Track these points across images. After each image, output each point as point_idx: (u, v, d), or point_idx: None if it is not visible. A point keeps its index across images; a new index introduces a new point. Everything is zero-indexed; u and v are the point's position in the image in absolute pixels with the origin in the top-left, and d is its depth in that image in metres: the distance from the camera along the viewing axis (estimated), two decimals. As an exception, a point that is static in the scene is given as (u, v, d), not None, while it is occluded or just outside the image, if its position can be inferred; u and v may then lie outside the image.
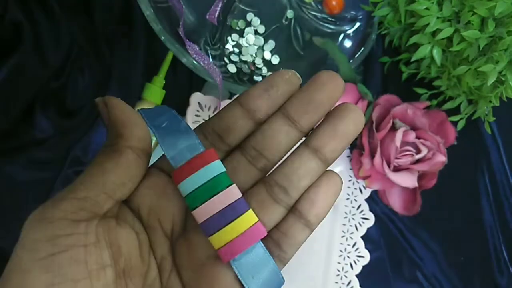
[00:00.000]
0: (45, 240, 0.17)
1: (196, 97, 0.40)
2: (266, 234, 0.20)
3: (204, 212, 0.19)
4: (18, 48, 0.39)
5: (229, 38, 0.45)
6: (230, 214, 0.19)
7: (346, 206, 0.46)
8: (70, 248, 0.17)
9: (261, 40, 0.46)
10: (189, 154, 0.20)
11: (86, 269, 0.17)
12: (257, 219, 0.19)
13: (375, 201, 0.47)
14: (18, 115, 0.39)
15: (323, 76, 0.21)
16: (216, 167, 0.19)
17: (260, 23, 0.46)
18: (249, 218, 0.19)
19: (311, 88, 0.21)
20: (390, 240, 0.49)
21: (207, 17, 0.42)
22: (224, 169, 0.20)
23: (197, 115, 0.40)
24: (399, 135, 0.40)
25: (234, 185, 0.19)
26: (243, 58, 0.45)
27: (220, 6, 0.42)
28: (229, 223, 0.19)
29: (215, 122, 0.21)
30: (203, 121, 0.40)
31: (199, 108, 0.40)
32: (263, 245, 0.20)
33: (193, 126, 0.40)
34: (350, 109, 0.20)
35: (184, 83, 0.45)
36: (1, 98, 0.37)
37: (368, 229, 0.46)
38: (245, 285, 0.19)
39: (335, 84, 0.20)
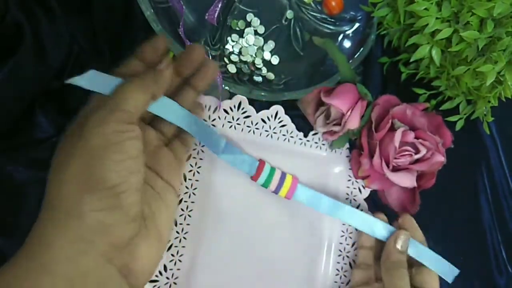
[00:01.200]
0: (111, 132, 0.27)
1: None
2: (298, 180, 0.42)
3: (272, 186, 0.41)
4: (19, 48, 0.39)
5: (229, 38, 0.46)
6: (281, 181, 0.41)
7: (345, 206, 0.46)
8: (128, 139, 0.27)
9: (261, 40, 0.46)
10: (254, 165, 0.41)
11: (137, 151, 0.28)
12: (292, 176, 0.42)
13: (374, 201, 0.47)
14: (18, 115, 0.39)
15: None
16: (267, 167, 0.41)
17: (260, 24, 0.46)
18: (289, 177, 0.42)
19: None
20: (389, 240, 0.49)
21: (207, 17, 0.42)
22: (270, 165, 0.42)
23: (197, 115, 0.41)
24: (398, 135, 0.40)
25: (277, 168, 0.42)
26: (243, 59, 0.45)
27: (219, 6, 0.42)
28: (283, 184, 0.41)
29: None
30: (203, 121, 0.41)
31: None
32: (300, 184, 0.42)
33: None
34: None
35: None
36: (1, 97, 0.37)
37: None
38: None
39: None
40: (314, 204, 0.42)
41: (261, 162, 0.41)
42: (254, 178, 0.40)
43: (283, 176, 0.42)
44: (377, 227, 0.42)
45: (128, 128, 0.28)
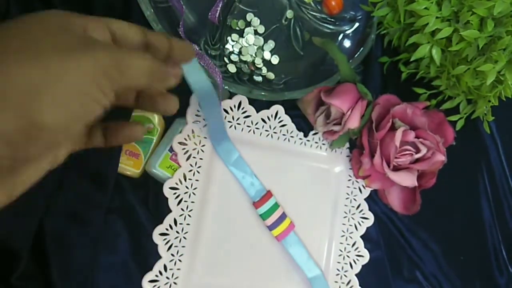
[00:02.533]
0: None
1: (196, 98, 0.40)
2: (294, 227, 0.43)
3: (270, 220, 0.42)
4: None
5: (229, 38, 0.45)
6: (280, 220, 0.42)
7: (345, 205, 0.46)
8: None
9: (261, 40, 0.46)
10: (261, 193, 0.43)
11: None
12: (290, 221, 0.43)
13: (374, 200, 0.47)
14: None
15: None
16: (273, 199, 0.42)
17: (260, 23, 0.46)
18: (287, 220, 0.42)
19: None
20: (389, 240, 0.49)
21: (209, 16, 0.42)
22: (276, 200, 0.43)
23: (197, 115, 0.41)
24: (398, 134, 0.40)
25: (280, 207, 0.43)
26: (243, 58, 0.45)
27: (220, 6, 0.42)
28: (280, 224, 0.42)
29: None
30: (203, 121, 0.41)
31: (199, 108, 0.40)
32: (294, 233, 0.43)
33: (193, 126, 0.40)
34: None
35: (184, 83, 0.45)
36: None
37: (368, 228, 0.46)
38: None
39: None
40: (299, 256, 0.42)
41: (268, 193, 0.42)
42: (256, 205, 0.41)
43: (283, 216, 0.42)
44: None
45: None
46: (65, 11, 0.25)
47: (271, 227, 0.42)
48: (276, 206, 0.42)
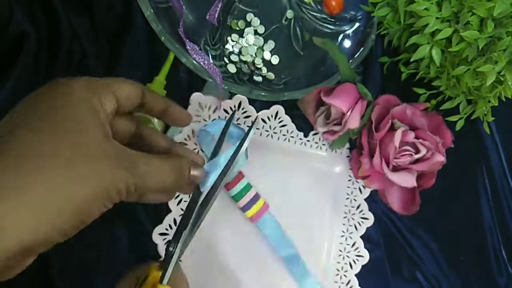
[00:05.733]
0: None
1: (196, 97, 0.40)
2: (268, 207, 0.43)
3: (242, 201, 0.41)
4: (23, 54, 0.39)
5: (229, 38, 0.46)
6: (253, 201, 0.41)
7: (345, 206, 0.46)
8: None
9: (261, 40, 0.46)
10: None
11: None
12: (264, 201, 0.42)
13: (375, 200, 0.47)
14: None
15: None
16: (245, 180, 0.42)
17: (260, 23, 0.46)
18: (261, 201, 0.42)
19: None
20: (389, 240, 0.49)
21: (207, 17, 0.42)
22: (248, 181, 0.42)
23: (197, 115, 0.41)
24: (398, 135, 0.40)
25: (253, 187, 0.42)
26: (243, 58, 0.45)
27: (220, 6, 0.42)
28: (253, 205, 0.41)
29: None
30: (203, 121, 0.41)
31: (199, 108, 0.40)
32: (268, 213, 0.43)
33: (193, 126, 0.40)
34: None
35: (184, 83, 0.45)
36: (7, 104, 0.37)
37: (368, 228, 0.46)
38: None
39: None
40: (273, 236, 0.42)
41: (240, 174, 0.41)
42: (228, 187, 0.41)
43: (256, 197, 0.42)
44: None
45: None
46: (72, 84, 0.24)
47: (244, 208, 0.41)
48: (248, 186, 0.41)
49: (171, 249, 0.28)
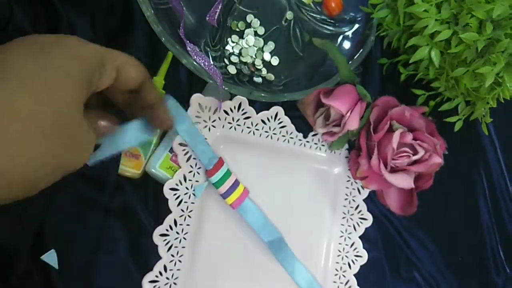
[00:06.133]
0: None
1: (196, 99, 0.40)
2: (248, 193, 0.43)
3: (223, 188, 0.41)
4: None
5: (229, 39, 0.46)
6: (233, 187, 0.41)
7: (344, 206, 0.46)
8: None
9: (261, 41, 0.46)
10: (213, 160, 0.41)
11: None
12: (244, 187, 0.42)
13: (373, 201, 0.48)
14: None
15: None
16: (225, 167, 0.41)
17: (260, 25, 0.46)
18: (241, 187, 0.42)
19: None
20: (387, 240, 0.49)
21: (207, 18, 0.42)
22: (228, 167, 0.42)
23: (197, 116, 0.41)
24: (396, 136, 0.40)
25: (233, 174, 0.42)
26: (243, 59, 0.46)
27: (220, 7, 0.42)
28: (233, 191, 0.41)
29: None
30: (203, 122, 0.41)
31: (200, 109, 0.40)
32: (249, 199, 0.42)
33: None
34: None
35: (184, 84, 0.45)
36: None
37: (366, 229, 0.46)
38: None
39: None
40: (256, 221, 0.42)
41: (220, 160, 0.41)
42: (209, 173, 0.40)
43: (236, 183, 0.42)
44: (299, 274, 0.44)
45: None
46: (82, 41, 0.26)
47: (224, 195, 0.41)
48: (228, 173, 0.41)
49: None
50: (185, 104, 0.42)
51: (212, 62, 0.41)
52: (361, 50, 0.47)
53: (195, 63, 0.40)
